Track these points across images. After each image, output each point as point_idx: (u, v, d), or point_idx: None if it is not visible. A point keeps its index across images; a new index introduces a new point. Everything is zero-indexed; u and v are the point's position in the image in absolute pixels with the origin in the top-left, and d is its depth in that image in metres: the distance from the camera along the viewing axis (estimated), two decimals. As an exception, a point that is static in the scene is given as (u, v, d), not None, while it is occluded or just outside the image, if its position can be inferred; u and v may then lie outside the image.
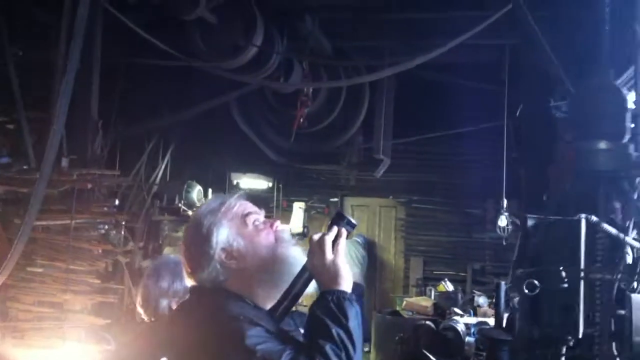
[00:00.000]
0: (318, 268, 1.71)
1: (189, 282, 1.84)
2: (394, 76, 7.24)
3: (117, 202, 5.02)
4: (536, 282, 1.95)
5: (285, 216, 10.14)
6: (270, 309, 1.75)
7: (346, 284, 1.71)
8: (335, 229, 1.78)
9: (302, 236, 8.61)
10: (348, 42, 6.78)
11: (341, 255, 1.74)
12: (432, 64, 6.44)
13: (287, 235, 1.88)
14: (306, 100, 6.57)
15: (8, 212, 4.65)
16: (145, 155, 7.99)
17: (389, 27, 6.42)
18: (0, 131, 5.70)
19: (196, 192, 8.19)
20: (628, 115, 1.70)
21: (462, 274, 9.91)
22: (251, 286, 1.79)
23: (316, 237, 1.76)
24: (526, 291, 1.96)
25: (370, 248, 10.37)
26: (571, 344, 1.98)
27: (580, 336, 1.94)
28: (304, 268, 1.77)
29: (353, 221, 1.84)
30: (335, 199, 10.74)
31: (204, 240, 1.79)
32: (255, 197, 8.94)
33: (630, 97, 4.70)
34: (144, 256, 7.76)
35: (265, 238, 1.83)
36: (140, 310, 2.89)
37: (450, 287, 7.86)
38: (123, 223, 6.71)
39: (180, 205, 7.94)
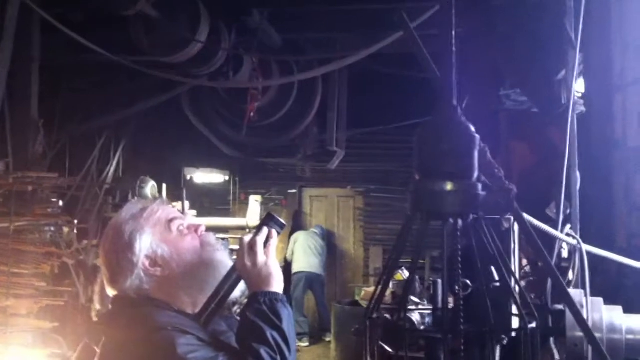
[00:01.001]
0: (249, 270, 1.68)
1: (110, 292, 1.78)
2: (347, 68, 7.20)
3: (61, 203, 4.88)
4: (468, 281, 1.94)
5: (243, 209, 10.08)
6: (197, 313, 1.72)
7: (278, 286, 1.69)
8: (265, 230, 1.75)
9: (260, 229, 8.53)
10: (299, 35, 6.72)
11: (272, 256, 1.72)
12: (386, 55, 6.42)
13: (213, 239, 1.84)
14: (256, 94, 6.49)
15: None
16: (96, 152, 7.85)
17: (340, 19, 6.38)
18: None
19: (150, 187, 8.06)
20: (476, 153, 1.69)
21: (422, 262, 9.98)
22: (177, 293, 1.75)
23: (247, 238, 1.73)
24: (459, 291, 1.95)
25: (329, 238, 10.40)
26: (505, 342, 1.98)
27: (513, 334, 1.94)
28: (232, 269, 1.74)
29: (282, 222, 1.83)
30: (294, 191, 10.73)
31: (126, 247, 1.73)
32: (212, 191, 8.85)
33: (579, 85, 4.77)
34: (97, 255, 7.62)
35: (190, 243, 1.79)
36: (96, 304, 2.86)
37: (407, 275, 7.91)
38: (75, 222, 6.56)
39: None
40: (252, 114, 6.57)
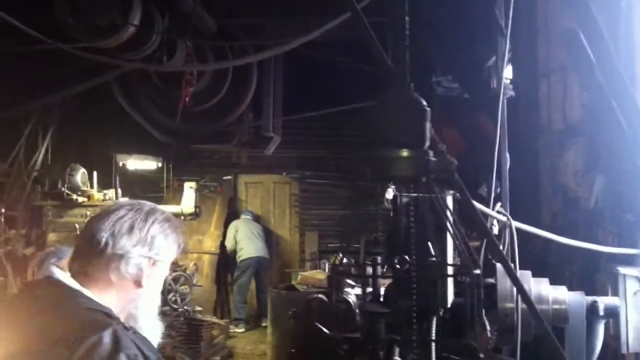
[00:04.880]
0: None
1: None
2: (281, 54, 7.21)
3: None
4: (406, 257, 2.03)
5: (177, 197, 9.97)
6: None
7: None
8: None
9: (195, 216, 8.49)
10: (232, 20, 6.68)
11: None
12: (319, 42, 6.48)
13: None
14: (191, 79, 6.42)
15: None
16: (23, 139, 7.60)
17: (272, 4, 6.38)
18: None
19: (80, 175, 7.88)
20: (428, 125, 1.95)
21: (356, 246, 10.11)
22: None
23: None
24: (397, 266, 2.04)
25: (264, 224, 10.45)
26: (441, 314, 2.08)
27: (448, 306, 2.04)
28: None
29: None
30: (229, 177, 10.67)
31: None
32: (144, 178, 8.62)
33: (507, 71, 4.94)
34: (26, 244, 7.41)
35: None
36: None
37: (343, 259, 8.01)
38: (2, 210, 6.34)
39: (63, 189, 7.62)
40: (187, 100, 6.49)
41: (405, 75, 1.89)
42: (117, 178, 7.43)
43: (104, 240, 1.69)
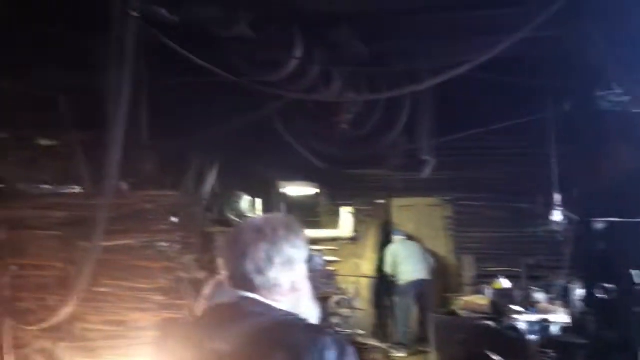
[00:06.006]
0: None
1: None
2: (432, 74, 7.17)
3: (176, 219, 5.12)
4: (610, 285, 1.94)
5: (333, 221, 10.19)
6: None
7: None
8: None
9: (353, 240, 8.64)
10: (385, 46, 6.77)
11: None
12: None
13: None
14: (347, 106, 6.59)
15: (69, 236, 4.79)
16: (193, 170, 8.13)
17: (426, 28, 6.38)
18: (48, 154, 5.81)
19: (244, 202, 8.32)
20: None
21: (516, 270, 9.74)
22: None
23: None
24: (600, 295, 1.95)
25: (417, 246, 10.39)
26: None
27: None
28: None
29: None
30: (382, 201, 10.74)
31: None
32: (301, 204, 8.89)
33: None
34: (199, 268, 7.89)
35: None
36: None
37: (505, 284, 7.74)
38: (180, 237, 6.75)
39: (230, 216, 8.05)
40: (344, 126, 6.67)
41: None
42: (282, 204, 7.73)
43: (256, 282, 1.83)
